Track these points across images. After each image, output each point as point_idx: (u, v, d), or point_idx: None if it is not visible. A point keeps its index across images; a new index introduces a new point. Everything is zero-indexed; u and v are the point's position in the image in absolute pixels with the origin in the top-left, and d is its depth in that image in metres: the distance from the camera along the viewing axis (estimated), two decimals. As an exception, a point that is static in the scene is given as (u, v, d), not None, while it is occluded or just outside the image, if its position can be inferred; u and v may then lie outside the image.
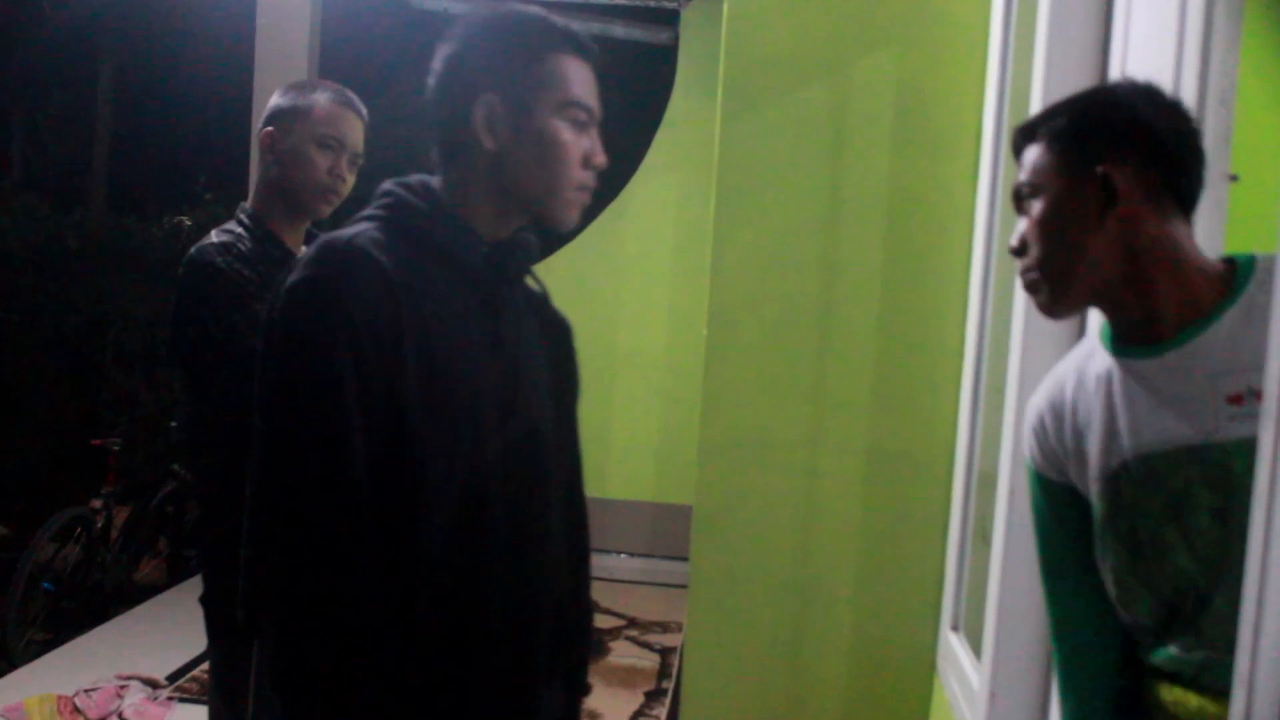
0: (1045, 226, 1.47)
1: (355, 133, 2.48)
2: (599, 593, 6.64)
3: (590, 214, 7.19)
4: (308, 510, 1.51)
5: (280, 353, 1.55)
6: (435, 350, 1.56)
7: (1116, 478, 1.45)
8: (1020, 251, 1.51)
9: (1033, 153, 1.50)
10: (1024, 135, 1.52)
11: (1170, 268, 1.42)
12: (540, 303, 1.81)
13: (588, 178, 1.68)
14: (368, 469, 1.52)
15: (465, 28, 1.66)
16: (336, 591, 1.51)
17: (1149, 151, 1.42)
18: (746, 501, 3.42)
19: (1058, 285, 1.48)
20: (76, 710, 3.96)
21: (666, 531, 6.64)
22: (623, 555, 6.82)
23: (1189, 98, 1.53)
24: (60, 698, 4.05)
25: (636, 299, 6.92)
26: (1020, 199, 1.51)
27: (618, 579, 6.39)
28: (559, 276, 7.08)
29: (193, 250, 2.38)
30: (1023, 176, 1.50)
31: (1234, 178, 1.53)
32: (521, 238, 1.71)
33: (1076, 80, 2.26)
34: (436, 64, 1.67)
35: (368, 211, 1.66)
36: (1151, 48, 1.86)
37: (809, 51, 3.38)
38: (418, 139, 10.95)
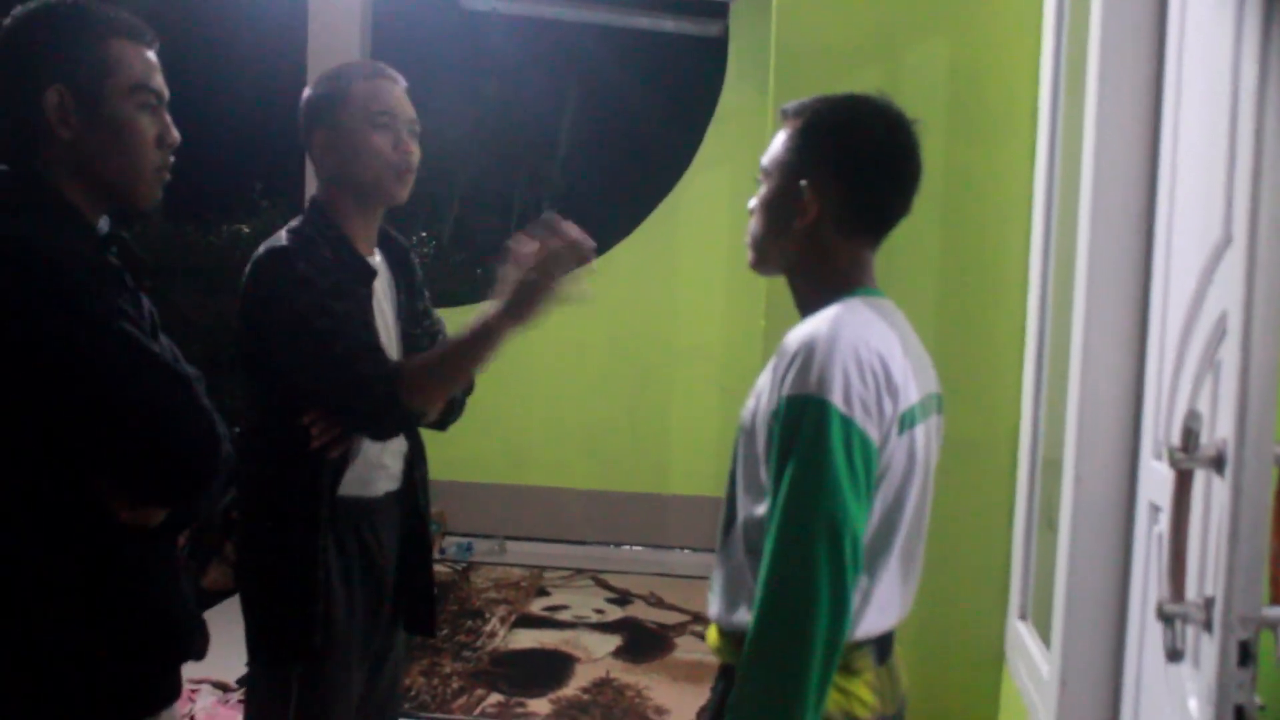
0: (763, 207, 1.83)
1: (402, 101, 2.35)
2: (662, 588, 6.54)
3: (644, 210, 7.20)
4: None
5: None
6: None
7: None
8: (752, 213, 1.86)
9: (779, 138, 1.82)
10: (783, 116, 1.84)
11: (816, 273, 1.80)
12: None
13: (164, 157, 1.74)
14: None
15: (17, 21, 1.68)
16: None
17: (848, 180, 1.76)
18: (808, 494, 3.39)
19: (759, 253, 1.86)
20: (150, 714, 4.01)
21: (728, 526, 6.59)
22: (685, 550, 6.80)
23: (1250, 66, 1.49)
24: (134, 702, 4.11)
25: (693, 294, 6.88)
26: (762, 173, 1.85)
27: (680, 574, 6.36)
28: (614, 273, 7.09)
29: (271, 247, 2.26)
30: (765, 159, 1.84)
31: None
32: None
33: (1133, 58, 2.22)
34: None
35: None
36: (1211, 21, 1.83)
37: (860, 40, 3.36)
38: (470, 139, 11.01)
